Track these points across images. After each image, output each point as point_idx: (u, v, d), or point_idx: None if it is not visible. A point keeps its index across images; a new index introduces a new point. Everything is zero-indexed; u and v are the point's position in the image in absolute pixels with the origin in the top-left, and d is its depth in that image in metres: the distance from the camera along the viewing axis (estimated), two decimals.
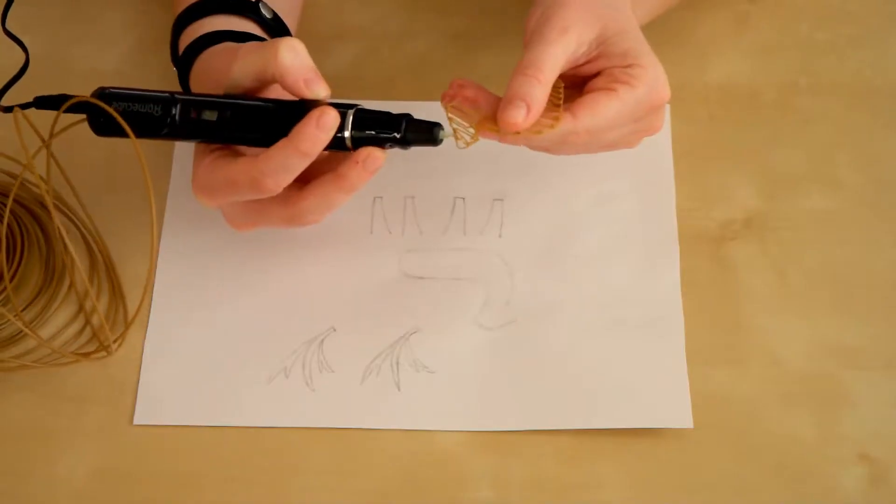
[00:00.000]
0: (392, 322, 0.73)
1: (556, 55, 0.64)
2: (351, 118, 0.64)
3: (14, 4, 0.74)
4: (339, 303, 0.73)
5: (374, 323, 0.73)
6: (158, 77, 0.82)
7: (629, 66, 0.65)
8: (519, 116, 0.63)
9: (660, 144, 0.78)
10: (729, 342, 0.72)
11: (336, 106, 0.64)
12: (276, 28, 0.73)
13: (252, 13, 0.72)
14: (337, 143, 0.64)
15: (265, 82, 0.66)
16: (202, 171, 0.66)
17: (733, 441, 0.69)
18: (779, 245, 0.75)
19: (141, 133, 0.65)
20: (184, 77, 0.71)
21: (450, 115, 0.65)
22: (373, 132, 0.64)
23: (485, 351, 0.72)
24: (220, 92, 0.66)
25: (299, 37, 0.68)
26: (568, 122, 0.64)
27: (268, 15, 0.73)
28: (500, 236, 0.76)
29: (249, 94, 0.66)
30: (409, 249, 0.75)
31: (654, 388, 0.70)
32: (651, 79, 0.65)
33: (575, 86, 0.68)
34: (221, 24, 0.71)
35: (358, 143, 0.64)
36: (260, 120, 0.65)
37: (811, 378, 0.71)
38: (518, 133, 0.63)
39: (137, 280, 0.74)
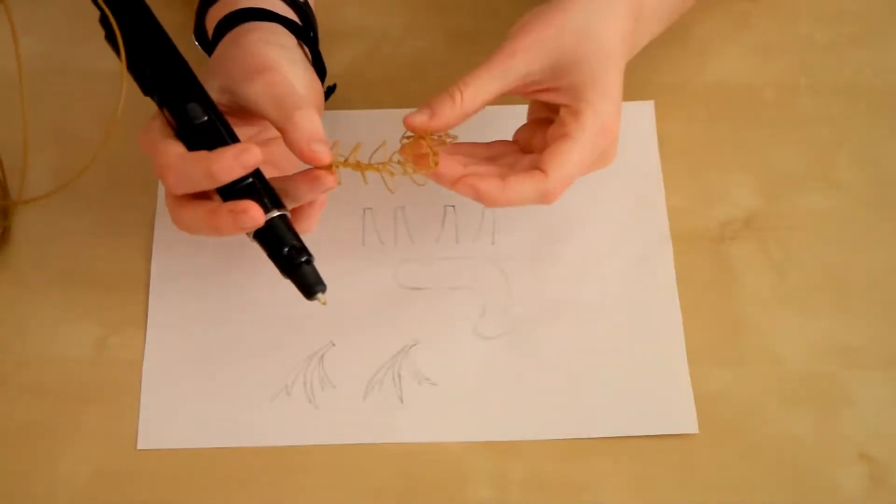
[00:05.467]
0: (391, 334, 0.72)
1: (490, 78, 0.66)
2: (274, 214, 0.64)
3: (15, 4, 0.74)
4: (337, 317, 0.73)
5: (373, 336, 0.73)
6: None
7: (573, 103, 0.66)
8: (419, 119, 0.65)
9: (647, 144, 0.78)
10: (729, 342, 0.72)
11: (271, 201, 0.64)
12: (299, 3, 0.74)
13: None
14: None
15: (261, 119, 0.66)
16: (152, 120, 0.66)
17: (733, 441, 0.69)
18: (779, 245, 0.75)
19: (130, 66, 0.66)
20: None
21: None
22: (266, 245, 0.64)
23: (486, 361, 0.72)
24: (229, 85, 0.66)
25: None
26: (540, 181, 0.65)
27: None
28: (492, 243, 0.76)
29: (246, 113, 0.67)
30: (403, 260, 0.75)
31: (656, 393, 0.70)
32: (596, 118, 0.66)
33: (550, 111, 0.69)
34: (246, 1, 0.71)
35: (258, 236, 0.64)
36: (207, 143, 0.64)
37: (811, 378, 0.71)
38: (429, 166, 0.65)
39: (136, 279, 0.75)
